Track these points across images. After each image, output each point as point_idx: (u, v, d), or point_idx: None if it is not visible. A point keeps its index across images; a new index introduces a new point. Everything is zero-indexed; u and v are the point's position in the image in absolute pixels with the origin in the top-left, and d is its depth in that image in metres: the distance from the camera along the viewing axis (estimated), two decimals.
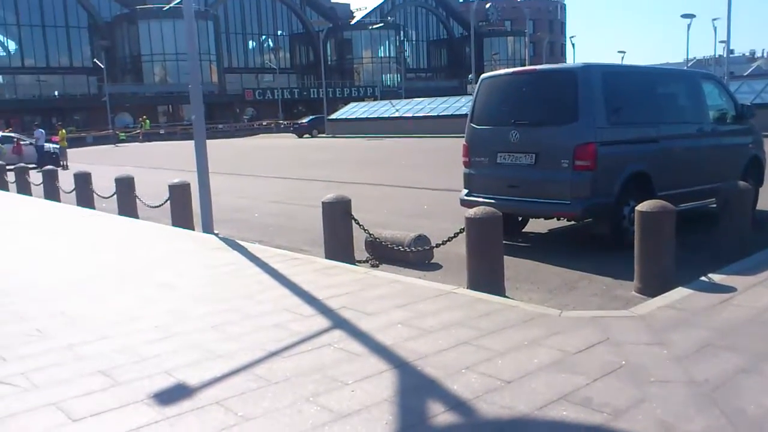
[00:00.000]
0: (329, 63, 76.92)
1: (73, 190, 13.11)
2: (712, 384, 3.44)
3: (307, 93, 76.94)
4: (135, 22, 68.65)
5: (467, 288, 5.63)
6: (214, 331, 4.69)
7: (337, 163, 23.13)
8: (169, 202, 10.01)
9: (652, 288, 5.44)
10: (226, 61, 76.13)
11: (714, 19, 60.56)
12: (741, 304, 4.77)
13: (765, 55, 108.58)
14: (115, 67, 69.09)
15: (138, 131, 56.10)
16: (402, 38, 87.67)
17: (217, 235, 8.59)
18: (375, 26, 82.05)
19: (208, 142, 9.44)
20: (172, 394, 3.59)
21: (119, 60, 70.63)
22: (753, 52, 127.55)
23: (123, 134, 54.51)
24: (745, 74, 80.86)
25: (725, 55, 41.92)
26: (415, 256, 7.03)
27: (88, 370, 3.98)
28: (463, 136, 8.42)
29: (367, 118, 46.41)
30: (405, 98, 56.50)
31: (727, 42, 38.08)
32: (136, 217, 11.00)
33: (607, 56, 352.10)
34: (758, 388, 3.39)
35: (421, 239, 7.23)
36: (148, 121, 58.89)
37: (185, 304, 5.44)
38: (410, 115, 43.67)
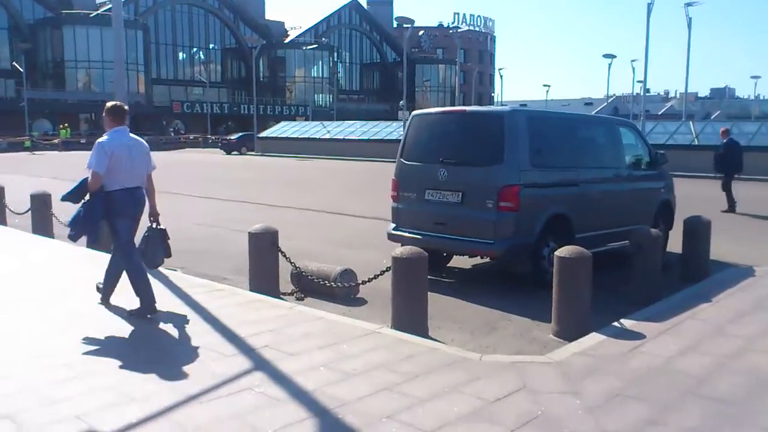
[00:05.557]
0: (261, 79, 76.24)
1: None
2: None
3: (237, 108, 75.94)
4: (59, 27, 66.16)
5: (391, 327, 5.67)
6: (128, 369, 4.54)
7: (265, 184, 22.90)
8: None
9: (569, 331, 5.63)
10: (155, 71, 74.31)
11: (632, 61, 64.06)
12: (649, 352, 5.01)
13: (677, 95, 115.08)
14: (36, 72, 66.24)
15: (56, 139, 53.72)
16: (335, 59, 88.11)
17: None
18: (309, 47, 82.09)
19: None
20: None
21: (40, 64, 67.80)
22: (667, 92, 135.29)
23: (28, 141, 51.58)
24: (660, 113, 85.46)
25: (642, 94, 44.19)
26: (341, 290, 7.03)
27: None
28: (392, 161, 8.50)
29: (297, 138, 46.15)
30: (336, 119, 56.75)
31: (644, 82, 40.20)
32: (51, 236, 10.54)
33: (533, 88, 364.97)
34: None
35: (348, 274, 7.24)
36: (68, 128, 56.58)
37: (98, 337, 5.24)
38: (341, 137, 43.78)
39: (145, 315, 5.78)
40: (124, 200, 5.69)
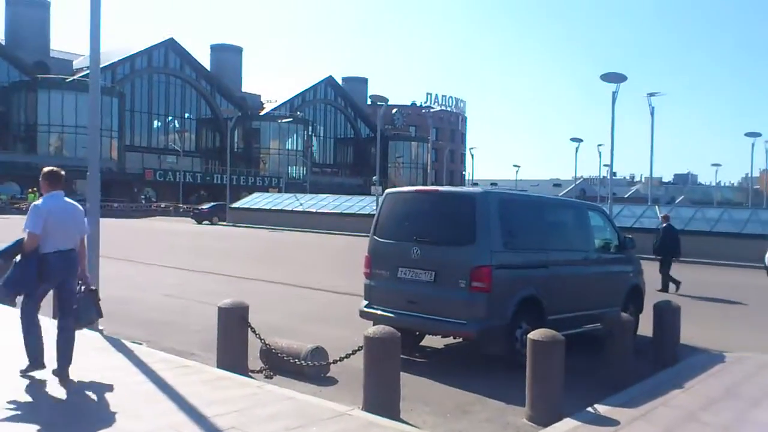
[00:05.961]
0: (236, 150, 76.51)
1: None
2: None
3: (210, 178, 76.00)
4: (35, 91, 66.35)
5: (362, 409, 5.54)
6: None
7: (236, 255, 22.67)
8: None
9: (543, 416, 5.56)
10: (129, 138, 74.38)
11: (599, 145, 65.79)
12: None
13: (643, 179, 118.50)
14: (7, 135, 65.96)
15: (24, 203, 52.98)
16: (310, 133, 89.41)
17: (101, 332, 8.07)
18: (284, 120, 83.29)
19: (101, 221, 8.92)
20: None
21: (12, 127, 67.59)
22: (633, 176, 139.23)
23: None
24: (626, 196, 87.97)
25: (609, 178, 45.43)
26: (311, 369, 6.89)
27: None
28: (365, 235, 8.51)
29: (270, 210, 46.19)
30: (309, 191, 57.08)
31: (611, 166, 41.20)
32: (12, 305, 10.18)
33: (504, 168, 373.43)
34: None
35: (318, 352, 7.10)
36: (36, 193, 55.84)
37: (54, 416, 5.01)
38: (314, 210, 43.97)
39: (30, 371, 5.92)
40: (56, 265, 5.83)
